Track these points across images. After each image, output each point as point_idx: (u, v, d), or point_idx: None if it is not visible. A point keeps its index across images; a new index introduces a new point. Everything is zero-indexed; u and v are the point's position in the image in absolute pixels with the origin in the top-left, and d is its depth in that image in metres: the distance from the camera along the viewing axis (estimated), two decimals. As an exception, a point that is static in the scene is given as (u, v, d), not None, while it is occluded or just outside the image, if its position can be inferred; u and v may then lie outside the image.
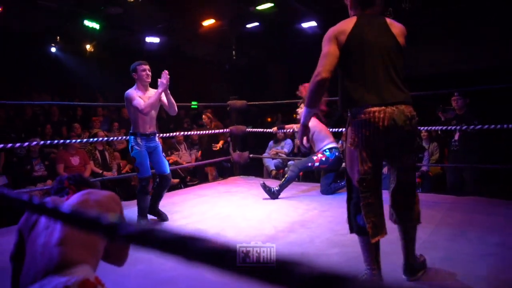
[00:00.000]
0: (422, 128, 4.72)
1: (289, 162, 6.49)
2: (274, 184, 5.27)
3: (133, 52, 9.69)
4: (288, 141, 6.96)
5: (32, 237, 1.38)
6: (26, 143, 4.15)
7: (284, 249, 2.82)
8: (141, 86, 3.42)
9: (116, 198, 1.58)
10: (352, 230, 2.21)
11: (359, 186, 2.07)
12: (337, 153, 4.51)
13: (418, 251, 2.72)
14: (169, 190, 4.47)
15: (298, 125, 4.77)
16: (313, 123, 4.60)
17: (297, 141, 6.66)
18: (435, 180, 5.42)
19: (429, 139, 5.64)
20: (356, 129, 2.02)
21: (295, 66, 11.18)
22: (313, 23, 8.15)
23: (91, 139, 5.02)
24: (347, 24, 2.05)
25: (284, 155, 6.83)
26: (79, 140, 4.82)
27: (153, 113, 3.47)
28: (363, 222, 2.09)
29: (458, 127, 4.41)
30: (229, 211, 3.91)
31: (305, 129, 2.24)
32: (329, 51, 2.03)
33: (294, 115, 4.99)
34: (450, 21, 8.01)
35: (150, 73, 3.44)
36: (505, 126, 3.72)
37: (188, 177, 7.02)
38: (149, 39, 8.85)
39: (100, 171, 5.71)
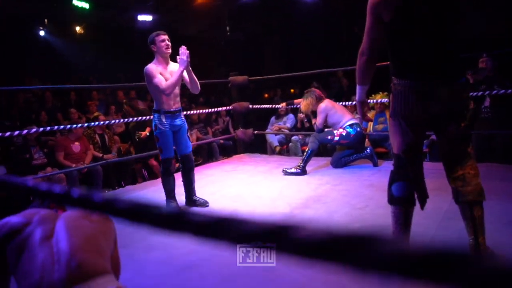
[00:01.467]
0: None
1: (293, 138, 6.38)
2: (282, 161, 5.20)
3: (125, 31, 9.39)
4: (291, 116, 6.82)
5: (30, 250, 1.19)
6: (26, 131, 3.99)
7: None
8: (162, 59, 3.16)
9: (112, 224, 1.41)
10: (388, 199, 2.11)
11: (404, 156, 1.96)
12: (358, 129, 4.35)
13: (442, 222, 2.66)
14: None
15: (304, 103, 4.63)
16: (324, 105, 4.44)
17: (299, 115, 6.53)
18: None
19: None
20: (397, 99, 1.92)
21: (292, 40, 10.96)
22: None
23: (92, 123, 4.89)
24: None
25: (287, 130, 6.71)
26: (79, 125, 4.66)
27: (177, 89, 3.24)
28: (397, 191, 2.01)
29: (488, 92, 4.12)
30: (239, 190, 3.81)
31: (362, 105, 2.15)
32: (371, 25, 1.90)
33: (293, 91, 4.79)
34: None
35: (170, 43, 3.17)
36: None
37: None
38: (141, 18, 8.53)
39: (101, 155, 5.57)
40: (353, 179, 3.87)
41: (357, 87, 2.07)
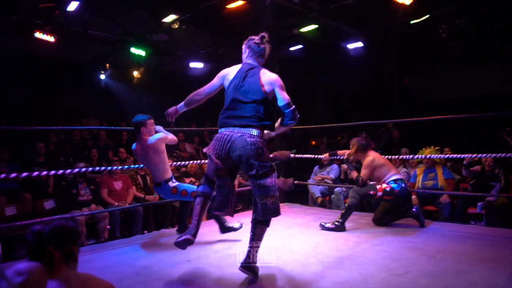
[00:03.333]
0: (487, 155, 4.15)
1: (336, 189, 6.15)
2: (322, 213, 4.99)
3: (178, 77, 9.89)
4: (335, 166, 6.63)
5: None
6: (70, 170, 4.18)
7: (333, 290, 2.51)
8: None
9: None
10: None
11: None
12: (403, 185, 4.03)
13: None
14: (210, 218, 4.32)
15: (352, 151, 4.41)
16: (372, 158, 4.19)
17: (343, 166, 6.33)
18: (501, 212, 4.83)
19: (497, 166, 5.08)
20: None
21: (340, 88, 10.94)
22: (359, 44, 7.88)
23: (133, 166, 5.03)
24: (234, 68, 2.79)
25: (330, 181, 6.50)
26: (120, 167, 4.80)
27: None
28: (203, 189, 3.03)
29: None
30: (273, 242, 3.62)
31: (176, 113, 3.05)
32: (212, 83, 2.85)
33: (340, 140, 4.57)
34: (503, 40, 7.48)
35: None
36: None
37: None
38: (193, 65, 8.94)
39: (142, 195, 5.69)
40: (395, 240, 3.57)
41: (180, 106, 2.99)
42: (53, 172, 3.84)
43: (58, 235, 1.35)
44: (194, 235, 2.83)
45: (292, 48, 8.61)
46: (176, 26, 6.99)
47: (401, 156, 5.30)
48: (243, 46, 2.79)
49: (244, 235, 3.96)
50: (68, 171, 4.04)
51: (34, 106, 8.13)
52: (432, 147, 5.40)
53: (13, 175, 3.62)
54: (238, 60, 2.90)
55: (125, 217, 5.37)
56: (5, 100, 7.69)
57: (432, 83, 9.50)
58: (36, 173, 3.76)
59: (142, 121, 3.53)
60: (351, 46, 8.02)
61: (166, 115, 3.08)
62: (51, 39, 6.96)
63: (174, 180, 3.63)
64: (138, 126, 3.54)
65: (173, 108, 3.03)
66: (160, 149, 3.50)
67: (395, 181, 4.04)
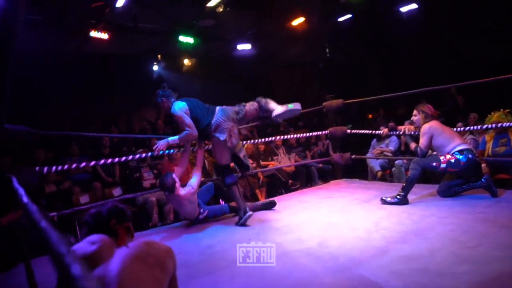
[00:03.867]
0: None
1: (396, 162, 5.91)
2: (382, 188, 4.81)
3: (227, 61, 9.95)
4: (394, 138, 6.36)
5: None
6: (131, 156, 4.42)
7: (397, 265, 2.41)
8: None
9: (172, 253, 1.45)
10: None
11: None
12: (470, 155, 3.68)
13: None
14: (271, 195, 4.36)
15: (412, 127, 4.23)
16: (429, 125, 3.87)
17: (403, 138, 6.04)
18: None
19: None
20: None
21: (394, 56, 10.36)
22: (413, 6, 7.37)
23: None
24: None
25: (390, 154, 6.26)
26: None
27: None
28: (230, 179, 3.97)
29: None
30: (332, 219, 3.59)
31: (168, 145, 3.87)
32: (191, 122, 3.76)
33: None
34: None
35: None
36: None
37: (290, 181, 6.89)
38: (240, 47, 8.92)
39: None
40: (464, 211, 3.35)
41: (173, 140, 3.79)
42: (116, 159, 4.12)
43: (116, 212, 1.54)
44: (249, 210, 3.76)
45: (340, 19, 8.26)
46: (221, 10, 7.00)
47: (459, 129, 4.81)
48: (167, 93, 4.06)
49: (299, 213, 3.97)
50: (130, 157, 4.30)
51: (96, 102, 8.59)
52: (501, 110, 4.97)
53: (83, 164, 3.92)
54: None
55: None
56: (71, 100, 8.21)
57: (495, 40, 8.65)
58: (102, 161, 4.05)
59: (171, 189, 3.71)
60: (404, 9, 7.54)
61: (155, 149, 3.83)
62: (105, 36, 7.28)
63: (202, 211, 3.95)
64: (170, 191, 3.74)
65: (164, 142, 3.79)
66: (194, 199, 3.83)
67: (460, 151, 3.70)
